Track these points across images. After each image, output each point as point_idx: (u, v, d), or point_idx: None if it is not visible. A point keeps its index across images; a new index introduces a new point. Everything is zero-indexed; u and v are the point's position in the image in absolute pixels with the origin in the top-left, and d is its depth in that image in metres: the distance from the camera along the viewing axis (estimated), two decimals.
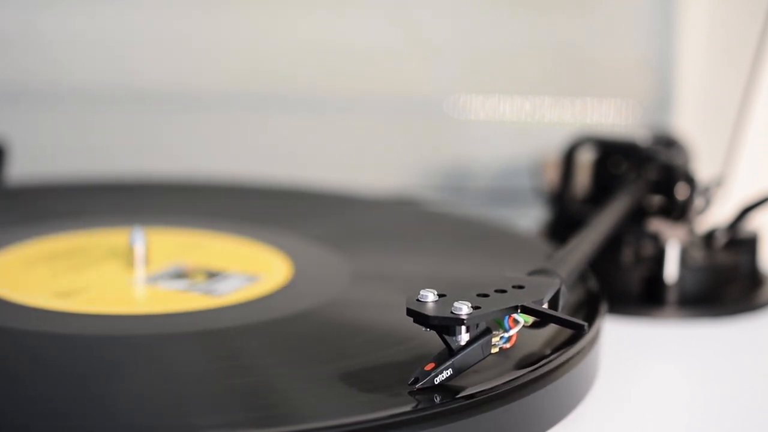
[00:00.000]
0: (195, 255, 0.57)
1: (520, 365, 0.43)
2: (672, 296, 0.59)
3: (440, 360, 0.40)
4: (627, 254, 0.60)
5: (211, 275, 0.54)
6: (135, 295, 0.52)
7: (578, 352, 0.45)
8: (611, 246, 0.59)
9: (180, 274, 0.54)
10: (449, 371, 0.40)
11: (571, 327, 0.42)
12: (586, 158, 0.66)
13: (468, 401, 0.40)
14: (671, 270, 0.59)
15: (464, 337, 0.40)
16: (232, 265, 0.55)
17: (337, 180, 0.78)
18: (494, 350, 0.41)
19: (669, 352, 0.55)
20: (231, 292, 0.51)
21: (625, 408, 0.47)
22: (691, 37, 0.83)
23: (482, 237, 0.64)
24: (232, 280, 0.53)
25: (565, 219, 0.66)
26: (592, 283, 0.53)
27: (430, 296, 0.41)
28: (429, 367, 0.40)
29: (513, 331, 0.41)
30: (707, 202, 0.62)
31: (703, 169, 0.66)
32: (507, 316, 0.41)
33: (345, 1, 0.81)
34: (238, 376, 0.42)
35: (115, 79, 0.80)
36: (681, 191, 0.61)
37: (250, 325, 0.47)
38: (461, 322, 0.40)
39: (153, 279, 0.53)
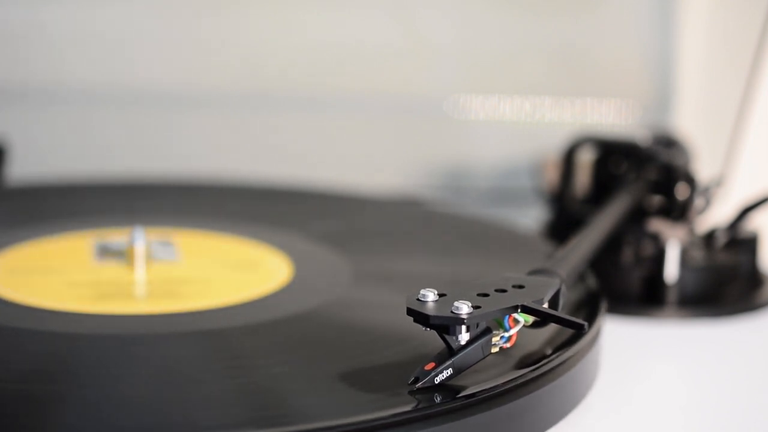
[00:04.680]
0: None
1: (521, 365, 0.43)
2: (672, 296, 0.59)
3: (440, 359, 0.40)
4: (627, 254, 0.60)
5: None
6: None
7: (578, 352, 0.45)
8: (611, 246, 0.59)
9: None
10: (449, 371, 0.40)
11: (571, 327, 0.42)
12: (586, 158, 0.66)
13: (468, 401, 0.40)
14: (671, 270, 0.59)
15: (464, 337, 0.40)
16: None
17: (337, 180, 0.78)
18: (494, 350, 0.41)
19: (669, 352, 0.55)
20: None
21: (625, 408, 0.47)
22: (691, 38, 0.83)
23: (482, 237, 0.64)
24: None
25: (565, 219, 0.66)
26: (592, 283, 0.53)
27: (430, 296, 0.41)
28: (429, 366, 0.40)
29: (513, 331, 0.41)
30: (707, 202, 0.62)
31: (703, 169, 0.66)
32: (507, 316, 0.41)
33: (345, 1, 0.81)
34: (238, 376, 0.42)
35: (116, 78, 0.80)
36: (681, 191, 0.61)
37: (251, 326, 0.47)
38: (461, 321, 0.40)
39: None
